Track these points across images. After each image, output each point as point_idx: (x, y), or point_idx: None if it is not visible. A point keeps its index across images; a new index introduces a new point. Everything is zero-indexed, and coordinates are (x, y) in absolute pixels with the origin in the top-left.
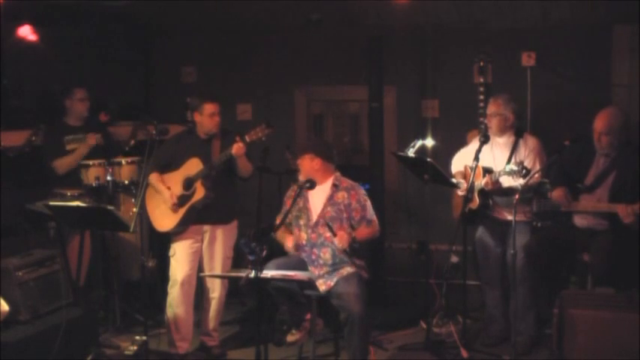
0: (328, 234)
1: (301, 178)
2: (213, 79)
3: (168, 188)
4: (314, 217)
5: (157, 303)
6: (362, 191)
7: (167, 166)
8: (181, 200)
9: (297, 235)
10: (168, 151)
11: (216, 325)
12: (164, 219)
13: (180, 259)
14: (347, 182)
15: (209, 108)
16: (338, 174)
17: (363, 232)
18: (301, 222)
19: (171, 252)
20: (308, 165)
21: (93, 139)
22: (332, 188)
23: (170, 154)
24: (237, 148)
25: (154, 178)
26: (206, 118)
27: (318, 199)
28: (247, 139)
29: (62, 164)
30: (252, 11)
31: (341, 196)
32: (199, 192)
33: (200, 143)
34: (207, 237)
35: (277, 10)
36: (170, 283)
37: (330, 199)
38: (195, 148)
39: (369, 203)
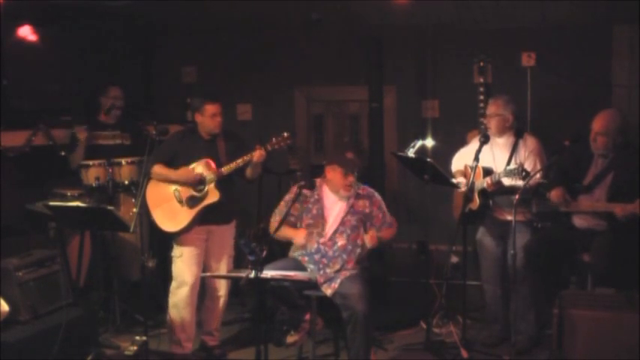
0: (344, 242)
1: (332, 189)
2: (214, 79)
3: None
4: (330, 226)
5: (157, 303)
6: (379, 197)
7: (169, 163)
8: (192, 201)
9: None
10: (172, 148)
11: (219, 324)
12: (171, 218)
13: (187, 260)
14: (366, 189)
15: (210, 109)
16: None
17: (387, 234)
18: (315, 230)
19: (177, 253)
20: (349, 180)
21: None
22: (354, 197)
23: (173, 152)
24: (259, 155)
25: (159, 167)
26: (207, 118)
27: (337, 207)
28: (269, 147)
29: (73, 158)
30: (252, 11)
31: (362, 204)
32: (213, 195)
33: (204, 144)
34: (211, 237)
35: (277, 10)
36: (176, 284)
37: (352, 208)
38: (200, 149)
39: (384, 207)
